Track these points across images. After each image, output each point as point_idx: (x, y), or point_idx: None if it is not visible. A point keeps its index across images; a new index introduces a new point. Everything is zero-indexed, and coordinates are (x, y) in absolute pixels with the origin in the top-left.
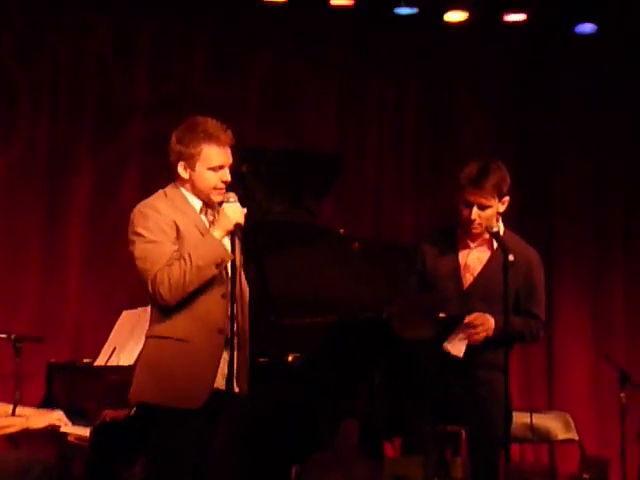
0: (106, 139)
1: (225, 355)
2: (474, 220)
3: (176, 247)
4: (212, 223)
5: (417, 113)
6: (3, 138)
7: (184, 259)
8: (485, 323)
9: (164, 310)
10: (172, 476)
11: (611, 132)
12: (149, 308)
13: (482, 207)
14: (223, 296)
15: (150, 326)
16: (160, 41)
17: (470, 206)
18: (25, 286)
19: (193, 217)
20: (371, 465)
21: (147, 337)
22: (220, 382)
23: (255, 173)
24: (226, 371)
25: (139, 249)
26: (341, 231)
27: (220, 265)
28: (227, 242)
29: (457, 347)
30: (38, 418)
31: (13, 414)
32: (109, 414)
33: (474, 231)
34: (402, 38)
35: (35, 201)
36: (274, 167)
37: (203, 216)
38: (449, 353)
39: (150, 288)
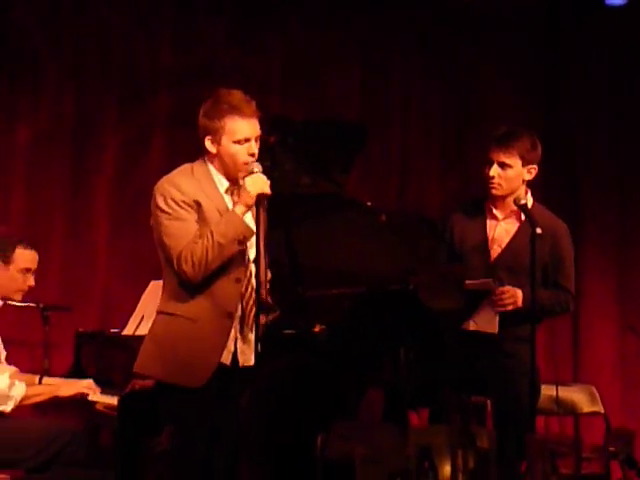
0: (131, 108)
1: (234, 334)
2: (492, 177)
3: (198, 226)
4: (236, 204)
5: (443, 83)
6: (29, 108)
7: (206, 237)
8: (513, 296)
9: (178, 288)
10: (184, 451)
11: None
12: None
13: (502, 165)
14: (237, 280)
15: (162, 302)
16: (185, 12)
17: (491, 163)
18: (52, 255)
19: (216, 198)
20: (396, 434)
21: (158, 312)
22: (227, 358)
23: (283, 144)
24: (233, 348)
25: (164, 225)
26: (368, 203)
27: (242, 242)
28: (250, 217)
29: (489, 324)
30: (67, 387)
31: (40, 383)
32: (138, 383)
33: (493, 191)
34: (425, 10)
35: (61, 170)
36: (302, 138)
37: (227, 197)
38: (481, 332)
39: (176, 265)
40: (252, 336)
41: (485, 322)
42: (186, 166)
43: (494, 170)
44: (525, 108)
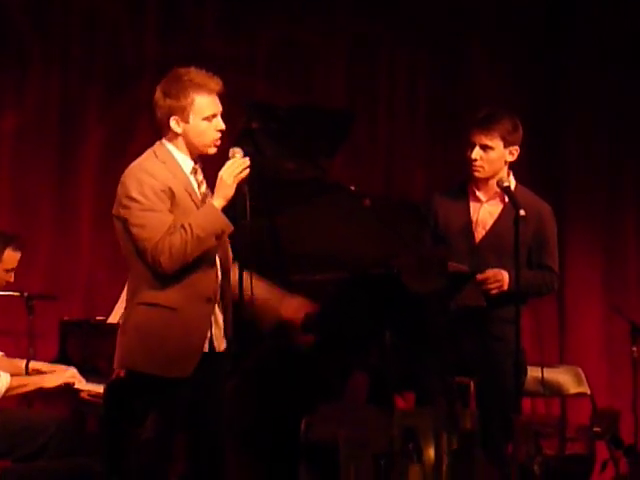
0: (117, 97)
1: (212, 319)
2: (475, 160)
3: (172, 215)
4: (201, 184)
5: (430, 67)
6: (14, 96)
7: (184, 229)
8: (499, 280)
9: (154, 278)
10: (167, 439)
11: (628, 84)
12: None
13: (484, 147)
14: (211, 264)
15: (137, 293)
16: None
17: (472, 146)
18: (37, 244)
19: (184, 180)
20: (380, 417)
21: (136, 304)
22: (206, 346)
23: (265, 130)
24: (209, 333)
25: (136, 216)
26: (352, 188)
27: (220, 236)
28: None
29: (476, 299)
30: (52, 377)
31: (27, 369)
32: (122, 372)
33: (476, 173)
34: None
35: (46, 159)
36: (284, 124)
37: (192, 177)
38: (469, 306)
39: (150, 257)
40: (221, 320)
41: (471, 298)
42: (149, 152)
43: (476, 152)
44: (511, 93)
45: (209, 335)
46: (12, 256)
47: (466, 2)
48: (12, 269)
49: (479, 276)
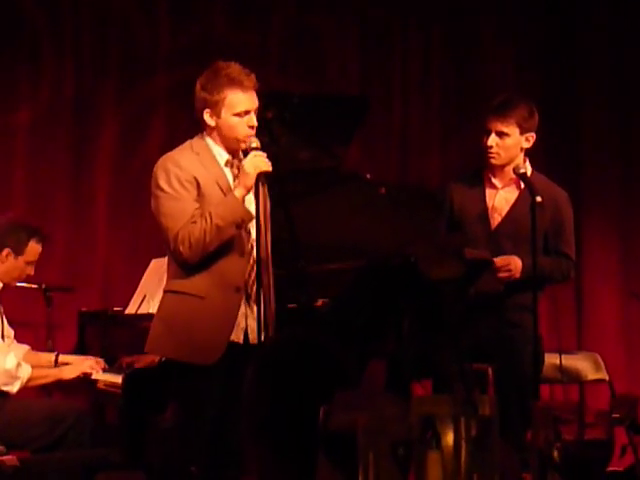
0: (130, 88)
1: (244, 310)
2: (490, 147)
3: (197, 205)
4: (236, 177)
5: (442, 57)
6: (28, 91)
7: (205, 218)
8: (511, 265)
9: (183, 266)
10: (193, 428)
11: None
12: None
13: (500, 134)
14: (241, 254)
15: (168, 280)
16: None
17: (488, 133)
18: (53, 236)
19: (216, 172)
20: (398, 404)
21: (165, 291)
22: (239, 335)
23: (280, 119)
24: (244, 325)
25: (162, 205)
26: (367, 176)
27: (240, 225)
28: (250, 195)
29: (493, 284)
30: (70, 369)
31: (56, 362)
32: (125, 360)
33: (492, 160)
34: None
35: (61, 151)
36: (299, 112)
37: (227, 170)
38: (487, 292)
39: (172, 245)
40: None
41: (488, 284)
42: (186, 143)
43: (492, 139)
44: (526, 79)
45: (244, 326)
46: (34, 248)
47: None
48: (33, 262)
49: (493, 262)
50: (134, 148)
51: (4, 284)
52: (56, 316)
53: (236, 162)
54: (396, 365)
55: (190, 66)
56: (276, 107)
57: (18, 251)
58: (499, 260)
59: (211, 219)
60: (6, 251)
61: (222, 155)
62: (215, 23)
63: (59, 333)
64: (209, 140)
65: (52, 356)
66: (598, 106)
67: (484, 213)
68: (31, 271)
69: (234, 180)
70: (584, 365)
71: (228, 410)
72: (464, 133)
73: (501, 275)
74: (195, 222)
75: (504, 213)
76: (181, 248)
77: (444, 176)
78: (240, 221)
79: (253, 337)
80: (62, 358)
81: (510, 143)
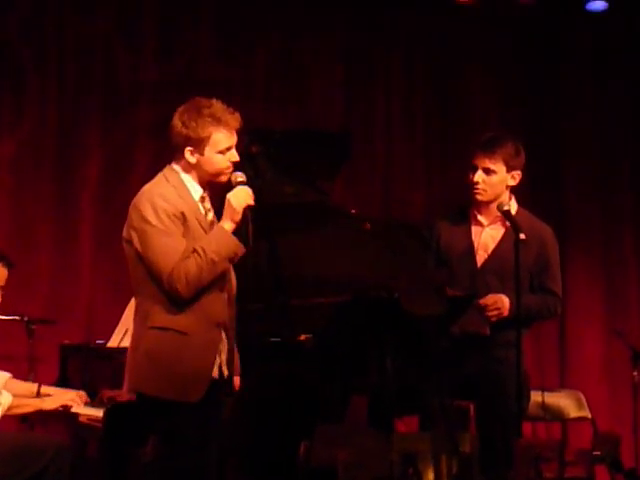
0: (114, 120)
1: (220, 345)
2: (477, 182)
3: (185, 240)
4: (208, 212)
5: (425, 92)
6: (12, 119)
7: (198, 254)
8: (499, 303)
9: (166, 301)
10: (174, 464)
11: (621, 109)
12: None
13: (486, 171)
14: (222, 289)
15: (149, 316)
16: (165, 23)
17: (475, 169)
18: (37, 268)
19: (194, 206)
20: (379, 440)
21: (148, 328)
22: (215, 370)
23: (265, 154)
24: (219, 359)
25: (152, 241)
26: (352, 211)
27: (233, 259)
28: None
29: (479, 326)
30: (51, 399)
31: (38, 393)
32: (106, 394)
33: (477, 197)
34: (409, 16)
35: (45, 183)
36: (284, 148)
37: (200, 204)
38: (472, 333)
39: (166, 283)
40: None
41: (475, 325)
42: (159, 176)
43: (478, 176)
44: (509, 113)
45: (219, 361)
46: (2, 273)
47: (463, 21)
48: (1, 287)
49: (480, 301)
50: (118, 180)
51: None
52: (38, 349)
53: (207, 198)
54: (378, 400)
55: (174, 99)
56: (261, 142)
57: None
58: (487, 299)
59: (205, 254)
60: None
61: (196, 190)
62: (199, 57)
63: (41, 366)
64: (184, 175)
65: (34, 386)
66: (581, 143)
67: (470, 250)
68: None
69: (206, 215)
70: (567, 403)
71: (205, 445)
72: (448, 168)
73: (489, 314)
74: (189, 258)
75: (490, 250)
76: (178, 286)
77: (428, 210)
78: (233, 255)
79: (225, 371)
80: (44, 389)
81: (496, 180)
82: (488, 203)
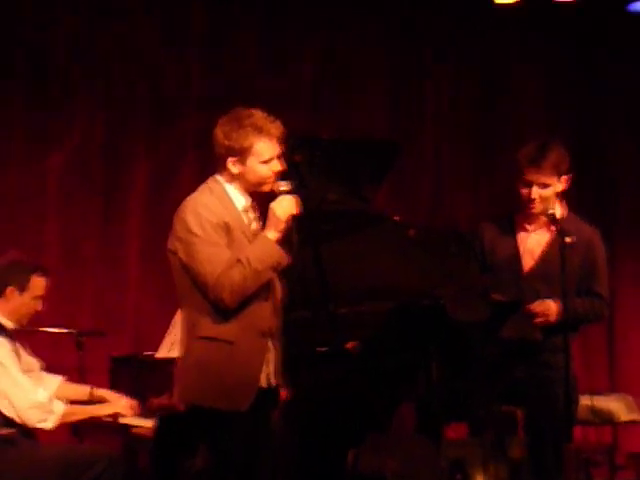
0: (161, 132)
1: (267, 355)
2: (534, 199)
3: (229, 249)
4: (252, 221)
5: (472, 93)
6: (60, 133)
7: (242, 263)
8: (547, 309)
9: (212, 311)
10: (223, 474)
11: None
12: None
13: (542, 186)
14: (266, 298)
15: (195, 327)
16: (212, 34)
17: (530, 185)
18: (85, 281)
19: (238, 217)
20: (428, 448)
21: (196, 338)
22: (263, 380)
23: (309, 162)
24: (267, 369)
25: (198, 251)
26: (396, 218)
27: (277, 269)
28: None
29: (532, 331)
30: (104, 406)
31: (91, 395)
32: (155, 402)
33: (533, 210)
34: (453, 21)
35: (92, 195)
36: (328, 156)
37: (244, 214)
38: (524, 339)
39: (211, 293)
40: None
41: (526, 330)
42: (203, 187)
43: (535, 192)
44: (555, 115)
45: (267, 371)
46: (39, 282)
47: (505, 32)
48: (39, 296)
49: (529, 308)
50: (165, 192)
51: (16, 324)
52: (87, 361)
53: (251, 208)
54: (426, 408)
55: (220, 110)
56: (305, 150)
57: (22, 287)
58: (536, 306)
59: (250, 264)
60: (10, 289)
61: (240, 200)
62: (246, 66)
63: (91, 378)
64: (227, 185)
65: (87, 388)
66: (629, 142)
67: (515, 256)
68: (39, 307)
69: (249, 225)
70: (617, 406)
71: (255, 454)
72: (494, 177)
73: (538, 320)
74: (233, 267)
75: (537, 256)
76: (223, 295)
77: (474, 217)
78: (277, 264)
79: (273, 381)
80: (97, 392)
81: (551, 192)
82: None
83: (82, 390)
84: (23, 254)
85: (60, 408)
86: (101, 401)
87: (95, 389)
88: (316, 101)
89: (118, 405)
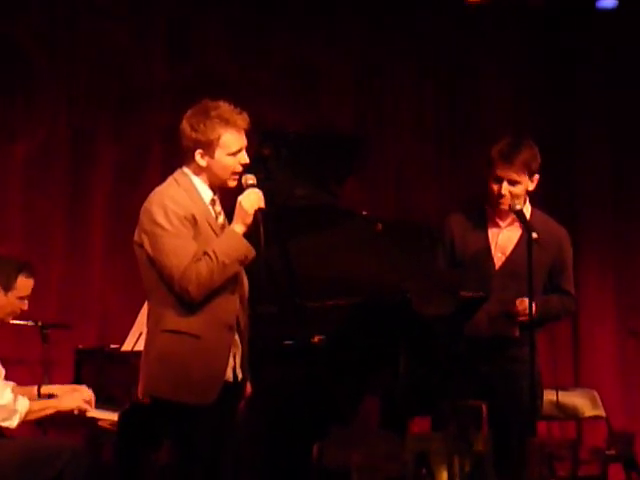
0: (127, 124)
1: (233, 348)
2: (504, 195)
3: (196, 242)
4: (219, 215)
5: (437, 93)
6: (25, 125)
7: (209, 256)
8: (526, 308)
9: (178, 305)
10: (188, 468)
11: (632, 109)
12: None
13: (512, 182)
14: (233, 292)
15: (160, 320)
16: (178, 25)
17: (500, 181)
18: (50, 273)
19: (205, 209)
20: (392, 441)
21: (161, 331)
22: (229, 374)
23: (277, 156)
24: (232, 363)
25: (164, 243)
26: (364, 213)
27: (243, 262)
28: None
29: (509, 328)
30: (68, 399)
31: (39, 394)
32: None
33: (502, 207)
34: (420, 18)
35: (57, 187)
36: (296, 150)
37: (211, 208)
38: (502, 335)
39: (177, 286)
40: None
41: (504, 327)
42: (170, 180)
43: (505, 188)
44: (520, 113)
45: (232, 364)
46: (25, 283)
47: (474, 21)
48: (26, 296)
49: (512, 308)
50: (131, 184)
51: None
52: (53, 353)
53: (217, 201)
54: (391, 401)
55: (187, 104)
56: (273, 144)
57: (8, 287)
58: (518, 304)
59: (217, 257)
60: None
61: (207, 193)
62: (212, 58)
63: (55, 370)
64: (194, 177)
65: (34, 389)
66: (595, 146)
67: (487, 252)
68: (24, 306)
69: (216, 219)
70: (581, 402)
71: (220, 448)
72: (459, 166)
73: (520, 319)
74: (200, 260)
75: (508, 252)
76: (189, 287)
77: (440, 212)
78: (244, 258)
79: (239, 374)
80: (45, 389)
81: (521, 189)
82: None
83: (29, 390)
84: (15, 253)
85: (24, 406)
86: (52, 397)
87: (43, 386)
88: (281, 94)
89: (80, 397)
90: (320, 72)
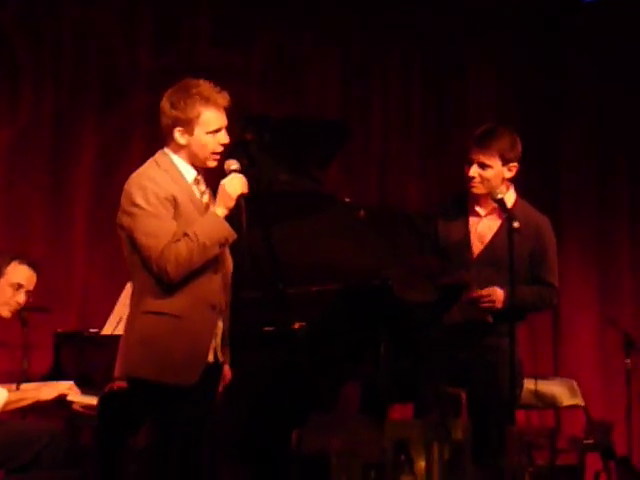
0: (110, 108)
1: (216, 329)
2: (472, 177)
3: (176, 223)
4: (203, 194)
5: (422, 79)
6: (7, 110)
7: (189, 237)
8: (493, 296)
9: (159, 286)
10: (168, 449)
11: (616, 102)
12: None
13: (482, 165)
14: (215, 271)
15: (141, 302)
16: (163, 10)
17: (470, 163)
18: (31, 256)
19: (187, 189)
20: (372, 427)
21: (141, 313)
22: (210, 355)
23: (259, 141)
24: (214, 343)
25: (142, 223)
26: (347, 199)
27: (224, 245)
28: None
29: (482, 313)
30: (48, 390)
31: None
32: (116, 385)
33: (473, 190)
34: (404, 5)
35: (39, 172)
36: (278, 135)
37: (195, 187)
38: (475, 320)
39: (155, 266)
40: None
41: (477, 312)
42: (150, 160)
43: (474, 170)
44: (503, 104)
45: (214, 345)
46: (19, 270)
47: (459, 14)
48: (22, 286)
49: (473, 294)
50: (113, 168)
51: None
52: (32, 337)
53: (202, 180)
54: (371, 388)
55: (170, 86)
56: (255, 129)
57: None
58: (482, 291)
59: (197, 238)
60: None
61: (189, 172)
62: (197, 44)
63: (35, 354)
64: (175, 157)
65: (13, 387)
66: (577, 137)
67: (466, 240)
68: (20, 298)
69: (201, 197)
70: (560, 391)
71: (198, 429)
72: (443, 155)
73: (483, 306)
74: (179, 240)
75: (487, 241)
76: (168, 267)
77: (423, 199)
78: (224, 240)
79: (219, 355)
80: (23, 387)
81: (491, 174)
82: (485, 195)
83: (8, 388)
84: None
85: (2, 397)
86: None
87: (22, 384)
88: (266, 81)
89: (61, 387)
90: (306, 59)
